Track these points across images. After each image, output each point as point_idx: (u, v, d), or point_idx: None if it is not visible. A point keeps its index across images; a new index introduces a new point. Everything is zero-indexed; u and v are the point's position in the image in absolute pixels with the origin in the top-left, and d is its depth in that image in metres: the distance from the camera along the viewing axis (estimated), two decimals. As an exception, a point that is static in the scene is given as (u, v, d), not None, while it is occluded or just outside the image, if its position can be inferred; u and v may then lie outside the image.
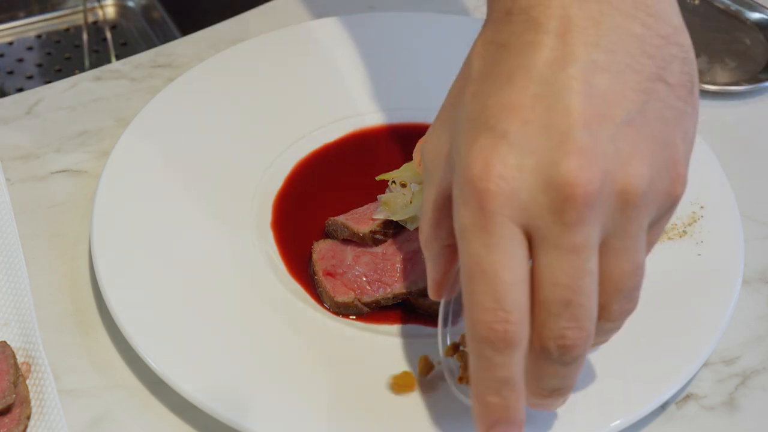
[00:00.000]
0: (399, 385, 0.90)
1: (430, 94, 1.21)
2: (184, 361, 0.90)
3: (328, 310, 0.99)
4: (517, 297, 0.69)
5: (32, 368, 0.92)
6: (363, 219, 1.03)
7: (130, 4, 1.61)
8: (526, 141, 0.68)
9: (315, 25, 1.29)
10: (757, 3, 1.37)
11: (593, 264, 0.69)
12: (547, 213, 0.68)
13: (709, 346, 0.93)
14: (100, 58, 1.53)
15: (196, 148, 1.12)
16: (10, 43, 1.54)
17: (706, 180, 1.09)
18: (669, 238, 1.03)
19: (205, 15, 1.40)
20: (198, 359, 0.91)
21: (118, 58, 1.51)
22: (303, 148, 1.15)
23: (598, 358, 0.93)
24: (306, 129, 1.16)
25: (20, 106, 1.22)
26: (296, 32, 1.27)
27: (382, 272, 0.99)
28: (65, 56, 1.52)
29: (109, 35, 1.56)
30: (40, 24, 1.57)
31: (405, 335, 0.96)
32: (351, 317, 0.98)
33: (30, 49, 1.53)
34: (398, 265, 0.99)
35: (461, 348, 0.86)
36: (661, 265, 1.01)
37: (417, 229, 1.01)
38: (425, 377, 0.90)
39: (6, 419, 0.87)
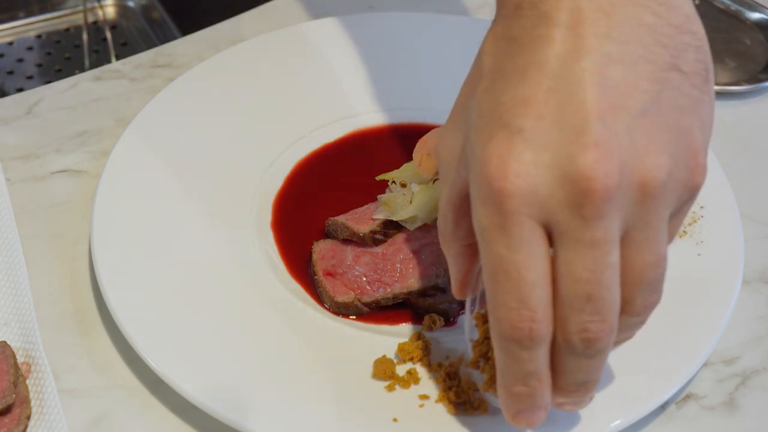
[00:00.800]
0: (380, 372, 0.91)
1: (430, 94, 1.22)
2: (184, 361, 0.90)
3: (328, 310, 0.99)
4: (541, 295, 0.69)
5: (32, 368, 0.92)
6: (363, 219, 1.03)
7: (130, 4, 1.61)
8: (542, 136, 0.67)
9: (315, 25, 1.29)
10: (757, 3, 1.37)
11: (614, 257, 0.69)
12: (565, 208, 0.67)
13: (709, 346, 0.93)
14: (100, 58, 1.53)
15: (196, 148, 1.12)
16: (10, 43, 1.54)
17: (706, 180, 1.09)
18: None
19: (205, 15, 1.40)
20: (198, 359, 0.91)
21: (118, 58, 1.51)
22: (303, 148, 1.15)
23: (598, 358, 0.93)
24: (306, 129, 1.17)
25: (20, 106, 1.22)
26: (296, 32, 1.27)
27: (382, 272, 0.99)
28: (65, 56, 1.52)
29: (109, 35, 1.56)
30: (40, 24, 1.57)
31: (405, 335, 0.96)
32: (351, 317, 0.98)
33: (30, 49, 1.53)
34: (398, 265, 0.99)
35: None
36: (661, 265, 1.01)
37: (417, 229, 1.01)
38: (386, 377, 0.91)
39: (6, 419, 0.87)
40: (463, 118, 0.77)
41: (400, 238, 1.01)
